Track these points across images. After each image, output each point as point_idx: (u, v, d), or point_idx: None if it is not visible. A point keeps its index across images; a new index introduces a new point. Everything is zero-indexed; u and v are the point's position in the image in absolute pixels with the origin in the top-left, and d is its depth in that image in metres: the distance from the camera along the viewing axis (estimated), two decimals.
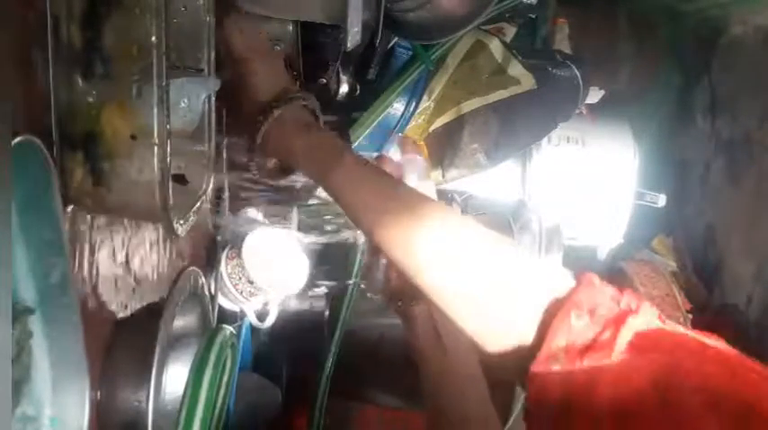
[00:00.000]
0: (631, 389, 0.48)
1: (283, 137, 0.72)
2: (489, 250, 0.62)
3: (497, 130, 1.30)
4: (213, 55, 0.68)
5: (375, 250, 0.76)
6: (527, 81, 1.29)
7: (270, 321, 0.97)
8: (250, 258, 0.91)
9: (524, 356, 0.55)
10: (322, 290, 1.10)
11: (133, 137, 0.50)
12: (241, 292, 0.92)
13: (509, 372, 0.59)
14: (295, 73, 0.90)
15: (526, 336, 0.56)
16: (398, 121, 1.24)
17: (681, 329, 0.53)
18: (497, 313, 0.59)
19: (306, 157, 0.71)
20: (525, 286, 0.59)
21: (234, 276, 0.91)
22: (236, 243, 0.92)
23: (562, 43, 1.53)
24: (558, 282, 0.57)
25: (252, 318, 0.95)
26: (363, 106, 1.18)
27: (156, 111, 0.50)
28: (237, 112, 0.76)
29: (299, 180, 0.95)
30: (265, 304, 0.96)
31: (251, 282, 0.91)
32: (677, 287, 1.42)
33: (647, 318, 0.52)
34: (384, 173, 0.71)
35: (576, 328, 0.53)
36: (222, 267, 0.91)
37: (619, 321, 0.52)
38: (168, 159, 0.51)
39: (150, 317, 0.65)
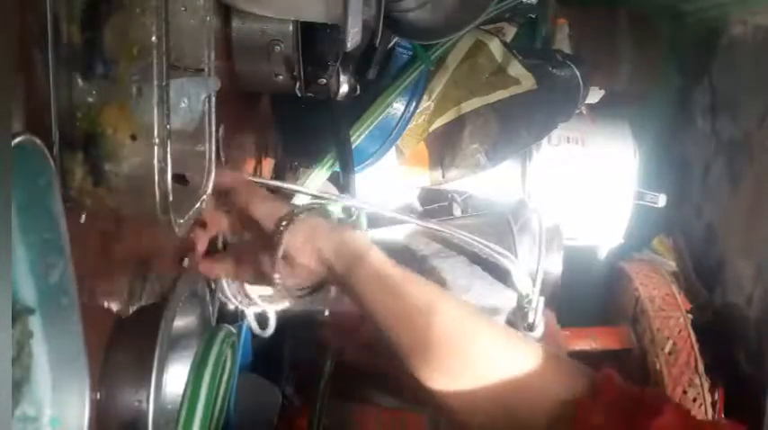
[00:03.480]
0: None
1: (311, 237, 0.72)
2: (504, 345, 0.64)
3: (497, 130, 1.30)
4: (213, 56, 0.68)
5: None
6: (527, 81, 1.29)
7: (270, 330, 0.97)
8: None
9: None
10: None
11: (133, 137, 0.50)
12: (240, 303, 0.93)
13: None
14: (295, 73, 0.90)
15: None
16: (398, 121, 1.24)
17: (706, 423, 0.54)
18: (511, 411, 0.60)
19: (334, 254, 0.71)
20: (540, 385, 0.60)
21: (232, 287, 0.92)
22: None
23: (562, 43, 1.53)
24: (577, 380, 0.59)
25: (253, 325, 0.95)
26: (363, 106, 1.18)
27: (156, 111, 0.50)
28: (254, 241, 0.77)
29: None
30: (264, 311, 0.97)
31: (248, 297, 0.92)
32: (677, 287, 1.43)
33: (672, 417, 0.53)
34: (406, 272, 0.70)
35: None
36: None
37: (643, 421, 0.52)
38: (168, 159, 0.51)
39: (150, 317, 0.65)
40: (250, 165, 1.06)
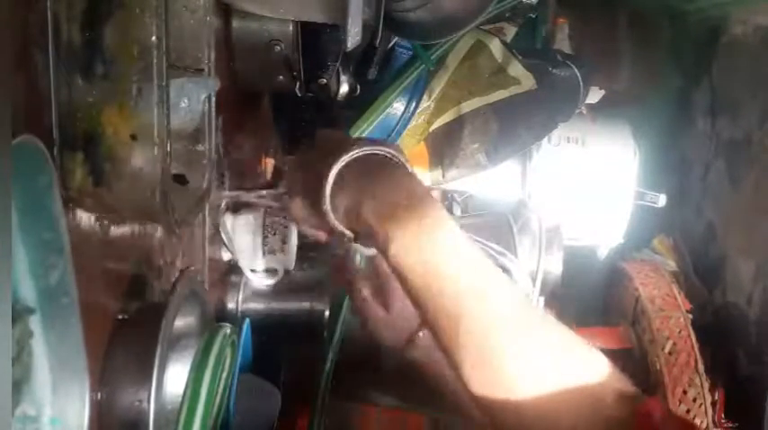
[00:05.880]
0: None
1: (364, 174, 0.62)
2: (553, 362, 0.59)
3: (497, 130, 1.30)
4: (213, 56, 0.68)
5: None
6: (527, 81, 1.29)
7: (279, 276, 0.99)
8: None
9: None
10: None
11: (133, 137, 0.50)
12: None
13: None
14: (295, 73, 0.90)
15: None
16: (398, 121, 1.24)
17: None
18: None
19: (391, 205, 0.60)
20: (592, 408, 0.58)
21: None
22: None
23: (562, 43, 1.53)
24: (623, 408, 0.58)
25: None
26: (363, 106, 1.18)
27: (156, 111, 0.50)
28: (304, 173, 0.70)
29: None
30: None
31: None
32: (677, 287, 1.43)
33: None
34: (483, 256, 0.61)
35: None
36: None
37: None
38: (168, 159, 0.52)
39: (150, 317, 0.65)
40: (250, 164, 1.06)
